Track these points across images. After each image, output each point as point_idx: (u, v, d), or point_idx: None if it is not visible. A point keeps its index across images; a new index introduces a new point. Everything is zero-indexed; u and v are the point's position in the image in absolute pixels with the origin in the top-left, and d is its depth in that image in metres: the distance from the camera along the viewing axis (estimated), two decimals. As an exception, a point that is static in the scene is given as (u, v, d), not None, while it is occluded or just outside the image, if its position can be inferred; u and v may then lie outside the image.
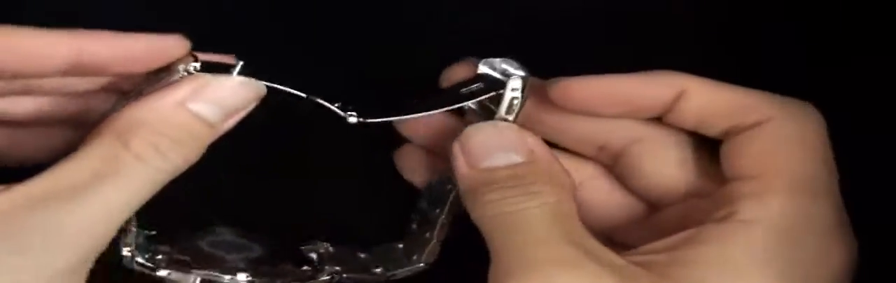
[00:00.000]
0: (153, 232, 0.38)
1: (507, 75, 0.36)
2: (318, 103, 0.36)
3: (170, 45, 0.34)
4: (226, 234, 0.40)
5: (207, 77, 0.34)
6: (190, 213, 0.38)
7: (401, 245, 0.39)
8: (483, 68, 0.36)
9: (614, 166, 0.38)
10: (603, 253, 0.33)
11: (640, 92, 0.36)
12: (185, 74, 0.34)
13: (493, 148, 0.35)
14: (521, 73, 0.36)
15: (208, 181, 0.36)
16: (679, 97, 0.36)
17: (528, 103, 0.37)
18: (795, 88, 0.38)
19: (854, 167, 0.43)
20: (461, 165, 0.35)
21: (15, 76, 0.34)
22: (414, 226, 0.39)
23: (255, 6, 0.45)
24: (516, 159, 0.35)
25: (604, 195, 0.39)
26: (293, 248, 0.40)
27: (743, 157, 0.35)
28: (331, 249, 0.39)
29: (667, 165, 0.37)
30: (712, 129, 0.36)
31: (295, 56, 0.44)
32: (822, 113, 0.37)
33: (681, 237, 0.34)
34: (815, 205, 0.34)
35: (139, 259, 0.37)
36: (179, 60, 0.35)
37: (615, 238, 0.39)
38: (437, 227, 0.38)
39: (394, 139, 0.41)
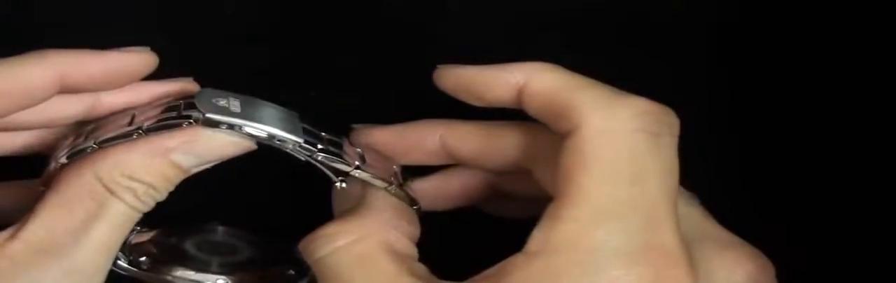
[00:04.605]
0: (145, 231, 0.38)
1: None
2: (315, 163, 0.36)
3: (142, 62, 0.36)
4: (217, 233, 0.39)
5: (200, 131, 0.34)
6: (190, 210, 0.38)
7: None
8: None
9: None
10: None
11: (487, 81, 0.35)
12: (189, 123, 0.34)
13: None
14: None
15: (213, 181, 0.36)
16: (523, 89, 0.35)
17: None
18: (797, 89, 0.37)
19: (855, 167, 0.44)
20: None
21: (5, 115, 0.35)
22: None
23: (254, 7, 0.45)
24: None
25: None
26: (287, 249, 0.40)
27: (552, 175, 0.33)
28: None
29: None
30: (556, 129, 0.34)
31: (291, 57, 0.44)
32: (821, 114, 0.36)
33: (499, 265, 0.33)
34: (614, 231, 0.31)
35: (121, 263, 0.37)
36: (186, 102, 0.35)
37: None
38: None
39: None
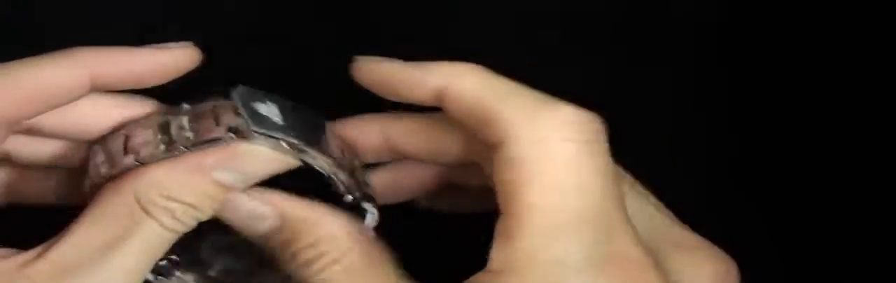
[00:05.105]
0: None
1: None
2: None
3: (180, 59, 0.35)
4: (221, 235, 0.39)
5: (243, 147, 0.33)
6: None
7: None
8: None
9: None
10: None
11: (405, 81, 0.34)
12: (232, 136, 0.33)
13: (245, 216, 0.34)
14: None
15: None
16: (443, 92, 0.33)
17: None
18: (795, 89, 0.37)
19: (855, 167, 0.44)
20: None
21: (36, 114, 0.34)
22: None
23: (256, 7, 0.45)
24: (270, 223, 0.34)
25: None
26: None
27: (493, 189, 0.32)
28: None
29: None
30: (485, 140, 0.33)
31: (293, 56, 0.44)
32: (821, 114, 0.36)
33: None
34: (572, 244, 0.31)
35: None
36: (225, 116, 0.34)
37: None
38: None
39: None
